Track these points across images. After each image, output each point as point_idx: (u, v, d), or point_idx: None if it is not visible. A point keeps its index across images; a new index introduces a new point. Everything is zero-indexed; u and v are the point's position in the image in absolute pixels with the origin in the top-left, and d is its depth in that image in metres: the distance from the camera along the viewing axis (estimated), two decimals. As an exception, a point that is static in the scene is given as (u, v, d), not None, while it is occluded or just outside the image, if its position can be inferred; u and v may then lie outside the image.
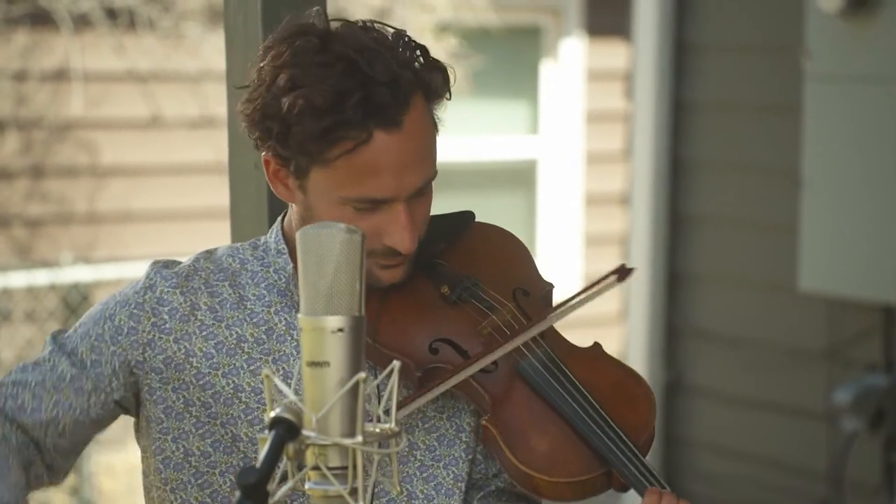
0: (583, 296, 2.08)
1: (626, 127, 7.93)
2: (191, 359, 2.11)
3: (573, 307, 2.09)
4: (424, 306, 2.13)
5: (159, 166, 7.36)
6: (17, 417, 2.11)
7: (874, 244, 5.14)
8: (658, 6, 6.03)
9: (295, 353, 2.11)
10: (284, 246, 2.15)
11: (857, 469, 5.32)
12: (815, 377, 5.56)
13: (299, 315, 1.60)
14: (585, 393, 2.07)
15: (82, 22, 7.11)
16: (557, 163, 8.49)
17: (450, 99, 2.09)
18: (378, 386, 1.97)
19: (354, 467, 1.57)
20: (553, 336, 2.14)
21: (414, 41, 2.06)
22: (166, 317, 2.12)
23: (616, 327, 7.57)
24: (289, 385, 2.07)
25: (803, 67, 5.33)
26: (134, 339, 2.11)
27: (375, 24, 2.07)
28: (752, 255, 5.86)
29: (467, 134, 8.18)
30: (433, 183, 2.09)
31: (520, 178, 8.51)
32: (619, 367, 2.14)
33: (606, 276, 2.08)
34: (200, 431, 2.11)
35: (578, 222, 8.51)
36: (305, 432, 1.56)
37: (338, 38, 2.02)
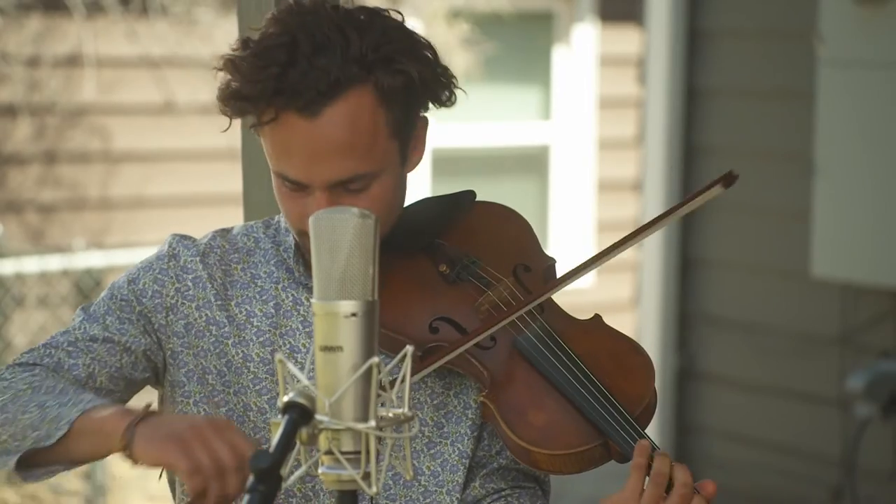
0: (687, 204, 2.07)
1: (639, 113, 7.92)
2: (210, 326, 2.14)
3: (675, 214, 2.10)
4: (423, 286, 2.14)
5: (172, 152, 7.36)
6: (58, 372, 2.10)
7: (887, 230, 5.13)
8: (671, -9, 6.02)
9: (301, 327, 2.13)
10: None
11: (871, 455, 5.32)
12: (828, 363, 5.55)
13: (313, 300, 1.60)
14: (581, 365, 2.07)
15: (95, 7, 7.11)
16: (570, 149, 8.48)
17: (455, 102, 2.07)
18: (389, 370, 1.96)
19: (367, 452, 1.57)
20: (552, 310, 2.15)
21: (423, 43, 2.03)
22: (190, 283, 2.15)
23: (628, 313, 7.56)
24: (297, 361, 2.09)
25: (817, 53, 5.32)
26: (158, 303, 2.14)
27: (390, 11, 2.05)
28: (765, 241, 5.85)
29: (479, 119, 8.17)
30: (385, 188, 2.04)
31: (532, 163, 8.50)
32: (617, 338, 2.13)
33: (711, 185, 2.03)
34: (216, 399, 2.13)
35: (591, 208, 8.50)
36: (318, 417, 1.56)
37: (306, 16, 2.01)
